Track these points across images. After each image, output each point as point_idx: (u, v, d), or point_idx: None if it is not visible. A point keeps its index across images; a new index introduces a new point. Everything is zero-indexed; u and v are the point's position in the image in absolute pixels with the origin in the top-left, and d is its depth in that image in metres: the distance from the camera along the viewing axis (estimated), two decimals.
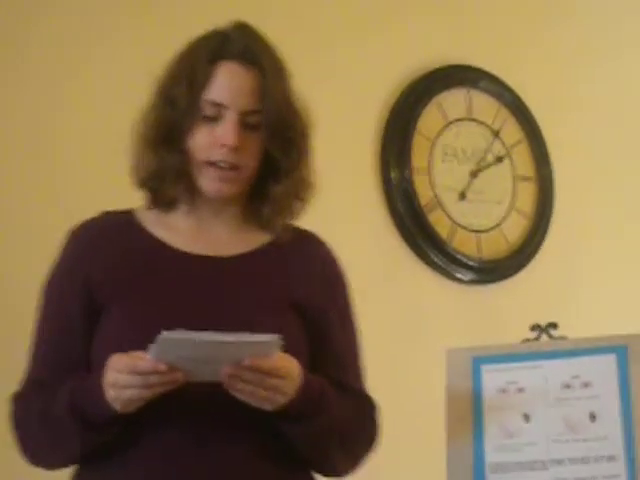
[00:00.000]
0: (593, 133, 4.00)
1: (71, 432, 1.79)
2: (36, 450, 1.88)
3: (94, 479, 1.84)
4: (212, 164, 1.86)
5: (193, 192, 1.91)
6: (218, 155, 1.85)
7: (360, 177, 3.52)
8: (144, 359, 1.68)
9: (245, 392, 1.73)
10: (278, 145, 1.89)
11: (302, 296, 1.91)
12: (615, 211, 3.99)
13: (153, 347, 1.66)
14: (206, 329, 1.65)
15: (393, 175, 3.54)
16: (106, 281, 1.87)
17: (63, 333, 1.88)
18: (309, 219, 3.30)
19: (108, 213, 1.97)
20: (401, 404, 3.36)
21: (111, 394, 1.72)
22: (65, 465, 1.90)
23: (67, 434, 1.80)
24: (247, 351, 1.70)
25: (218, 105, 1.85)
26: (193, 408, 1.77)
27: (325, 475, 1.93)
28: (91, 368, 1.83)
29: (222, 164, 1.86)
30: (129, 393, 1.71)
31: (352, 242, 3.43)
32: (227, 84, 1.85)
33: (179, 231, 1.92)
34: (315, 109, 3.36)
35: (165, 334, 1.63)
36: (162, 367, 1.68)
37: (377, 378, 3.32)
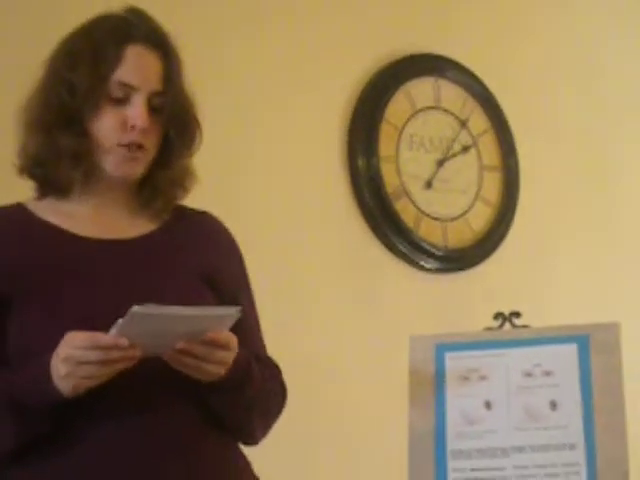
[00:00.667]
0: (559, 124, 4.02)
1: (6, 424, 1.74)
2: None
3: (32, 466, 1.79)
4: (121, 146, 1.85)
5: (92, 177, 1.88)
6: (128, 138, 1.84)
7: (327, 164, 3.52)
8: (104, 335, 1.66)
9: (191, 366, 1.74)
10: (175, 129, 1.89)
11: (211, 270, 1.92)
12: (580, 202, 4.02)
13: (122, 321, 1.64)
14: (124, 310, 1.64)
15: (360, 163, 3.54)
16: (11, 274, 1.82)
17: None
18: (280, 208, 3.32)
19: None
20: (365, 389, 3.38)
21: (62, 371, 1.69)
22: None
23: (1, 427, 1.75)
24: (207, 324, 1.71)
25: (127, 87, 1.84)
26: (128, 388, 1.75)
27: (243, 442, 1.93)
28: (10, 364, 1.79)
29: (131, 146, 1.85)
30: (86, 369, 1.68)
31: (319, 229, 3.44)
32: (137, 66, 1.85)
33: (75, 218, 1.89)
34: (284, 97, 3.39)
35: (137, 308, 1.62)
36: (124, 342, 1.66)
37: (342, 363, 3.35)
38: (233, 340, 1.77)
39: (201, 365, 1.74)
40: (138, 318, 1.64)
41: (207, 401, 1.82)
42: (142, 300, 1.65)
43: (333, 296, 3.44)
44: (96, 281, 1.82)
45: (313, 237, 3.43)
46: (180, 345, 1.70)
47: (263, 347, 2.01)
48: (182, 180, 1.94)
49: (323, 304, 3.39)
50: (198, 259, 1.93)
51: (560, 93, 4.04)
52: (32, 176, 1.90)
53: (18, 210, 1.91)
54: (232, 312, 1.72)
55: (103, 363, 1.68)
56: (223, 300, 1.91)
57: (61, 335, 1.69)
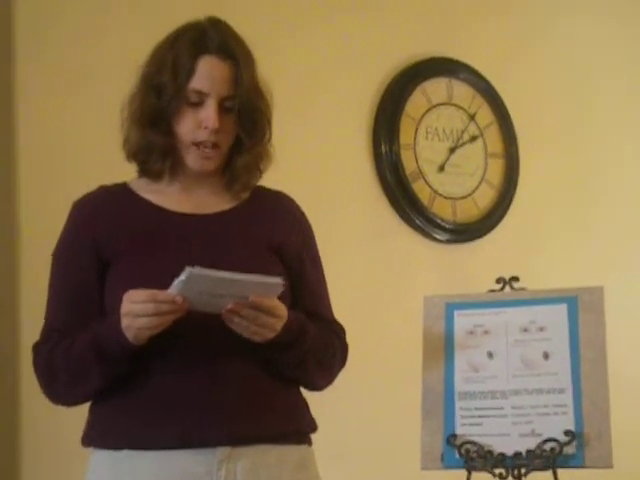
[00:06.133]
0: (554, 118, 3.99)
1: (91, 365, 1.77)
2: (59, 388, 1.84)
3: (115, 401, 1.81)
4: (197, 144, 1.86)
5: (179, 167, 1.90)
6: (202, 136, 1.85)
7: (355, 151, 3.51)
8: (163, 292, 1.68)
9: (240, 326, 1.74)
10: (246, 125, 1.88)
11: (280, 242, 1.91)
12: (570, 184, 3.99)
13: (179, 280, 1.64)
14: None
15: (383, 149, 3.53)
16: (111, 239, 1.85)
17: (78, 287, 1.85)
18: (314, 187, 3.31)
19: (104, 186, 1.95)
20: (386, 343, 3.38)
21: (124, 323, 1.71)
22: (85, 400, 1.86)
23: (88, 368, 1.78)
24: (255, 290, 1.70)
25: (200, 93, 1.84)
26: (198, 338, 1.77)
27: (307, 389, 1.94)
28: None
29: (206, 143, 1.86)
30: (141, 321, 1.70)
31: (347, 206, 3.44)
32: (208, 75, 1.84)
33: (167, 195, 1.90)
34: (322, 94, 3.39)
35: (193, 269, 1.62)
36: (179, 299, 1.68)
37: (367, 321, 3.35)
38: (280, 308, 1.76)
39: (249, 326, 1.73)
40: (192, 278, 1.63)
41: (263, 354, 1.81)
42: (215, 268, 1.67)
43: (359, 262, 3.44)
44: (177, 250, 1.83)
45: (343, 212, 3.42)
46: (230, 305, 1.70)
47: (328, 309, 1.99)
48: (257, 165, 1.94)
49: (351, 269, 3.38)
50: (268, 233, 1.91)
51: (555, 92, 4.01)
52: (134, 161, 1.92)
53: (122, 188, 1.93)
54: (277, 281, 1.71)
55: (156, 315, 1.69)
56: (289, 269, 1.90)
57: None
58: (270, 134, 1.95)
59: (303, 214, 2.02)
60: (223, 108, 1.85)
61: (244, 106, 1.86)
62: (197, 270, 1.63)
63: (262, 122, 1.92)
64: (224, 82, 1.84)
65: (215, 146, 1.86)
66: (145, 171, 1.91)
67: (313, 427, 1.93)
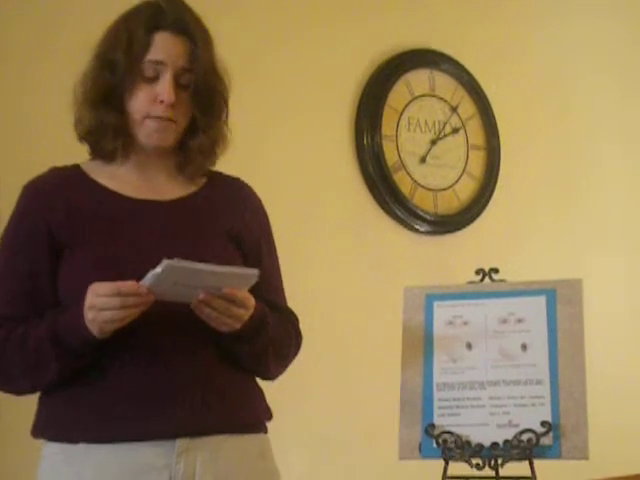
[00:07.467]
0: (536, 111, 4.00)
1: (50, 356, 1.72)
2: (7, 375, 1.78)
3: (70, 392, 1.77)
4: (150, 118, 1.82)
5: (131, 147, 1.86)
6: (157, 111, 1.81)
7: (338, 142, 3.51)
8: (127, 283, 1.64)
9: (210, 316, 1.72)
10: (201, 103, 1.84)
11: (239, 230, 1.89)
12: (550, 178, 4.01)
13: (153, 272, 1.61)
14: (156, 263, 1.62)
15: (365, 141, 3.53)
16: (66, 226, 1.79)
17: (30, 275, 1.79)
18: (296, 178, 3.31)
19: (56, 168, 1.90)
20: (366, 333, 3.38)
21: (89, 316, 1.67)
22: (35, 390, 1.81)
23: (45, 358, 1.73)
24: (230, 281, 1.69)
25: (156, 63, 1.80)
26: (157, 329, 1.74)
27: (261, 378, 1.92)
28: (60, 305, 1.77)
29: (161, 119, 1.82)
30: (106, 315, 1.66)
31: (329, 197, 3.44)
32: (164, 49, 1.81)
33: (120, 179, 1.86)
34: (304, 84, 3.38)
35: (170, 261, 1.59)
36: (143, 290, 1.64)
37: (348, 311, 3.36)
38: (250, 300, 1.75)
39: (219, 317, 1.72)
40: (168, 270, 1.60)
41: (225, 345, 1.80)
42: (173, 255, 1.63)
43: (340, 253, 3.44)
44: (134, 237, 1.79)
45: (324, 203, 3.42)
46: (201, 296, 1.68)
47: (283, 298, 1.98)
48: (212, 147, 1.89)
49: (332, 260, 3.39)
50: (226, 220, 1.89)
51: (536, 84, 4.03)
52: (86, 142, 1.88)
53: (74, 171, 1.89)
54: (252, 273, 1.70)
55: (122, 308, 1.66)
56: (247, 257, 1.88)
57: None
58: (227, 116, 1.91)
59: (261, 202, 1.99)
60: (179, 85, 1.82)
61: (200, 83, 1.82)
62: (174, 262, 1.60)
63: (219, 102, 1.88)
64: (180, 57, 1.81)
65: (170, 121, 1.82)
66: (97, 151, 1.87)
67: (269, 416, 1.91)
